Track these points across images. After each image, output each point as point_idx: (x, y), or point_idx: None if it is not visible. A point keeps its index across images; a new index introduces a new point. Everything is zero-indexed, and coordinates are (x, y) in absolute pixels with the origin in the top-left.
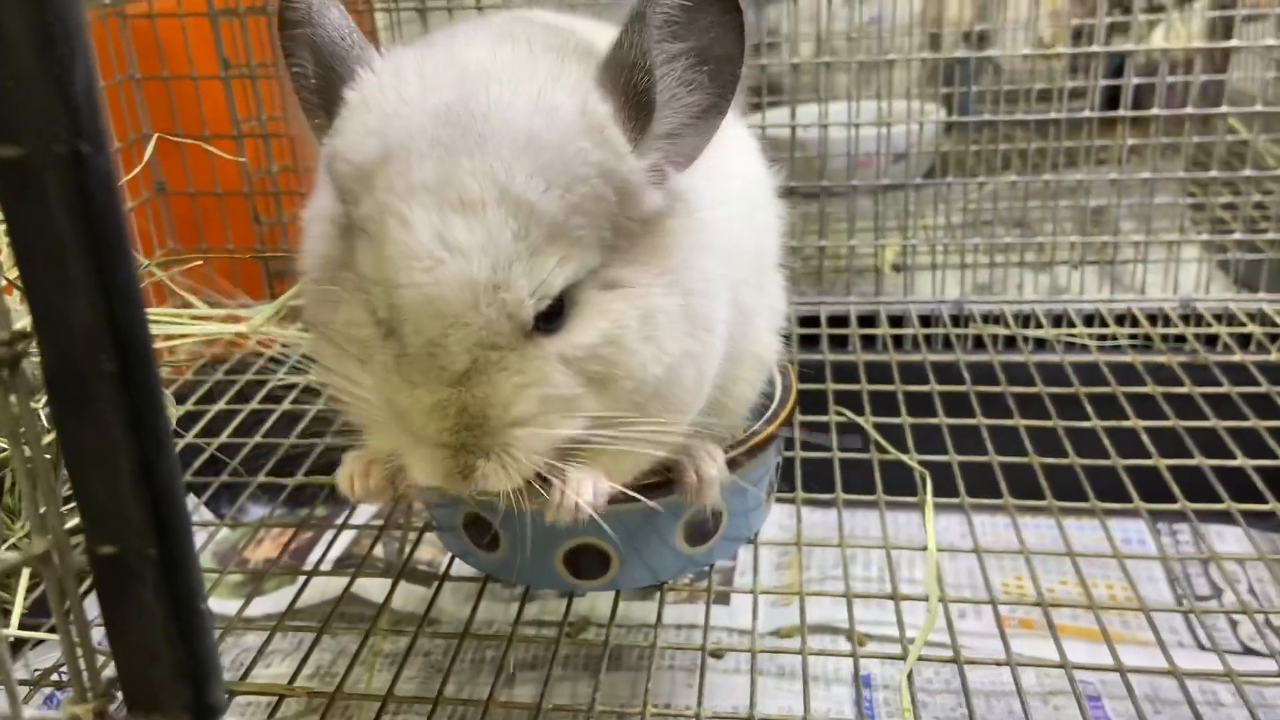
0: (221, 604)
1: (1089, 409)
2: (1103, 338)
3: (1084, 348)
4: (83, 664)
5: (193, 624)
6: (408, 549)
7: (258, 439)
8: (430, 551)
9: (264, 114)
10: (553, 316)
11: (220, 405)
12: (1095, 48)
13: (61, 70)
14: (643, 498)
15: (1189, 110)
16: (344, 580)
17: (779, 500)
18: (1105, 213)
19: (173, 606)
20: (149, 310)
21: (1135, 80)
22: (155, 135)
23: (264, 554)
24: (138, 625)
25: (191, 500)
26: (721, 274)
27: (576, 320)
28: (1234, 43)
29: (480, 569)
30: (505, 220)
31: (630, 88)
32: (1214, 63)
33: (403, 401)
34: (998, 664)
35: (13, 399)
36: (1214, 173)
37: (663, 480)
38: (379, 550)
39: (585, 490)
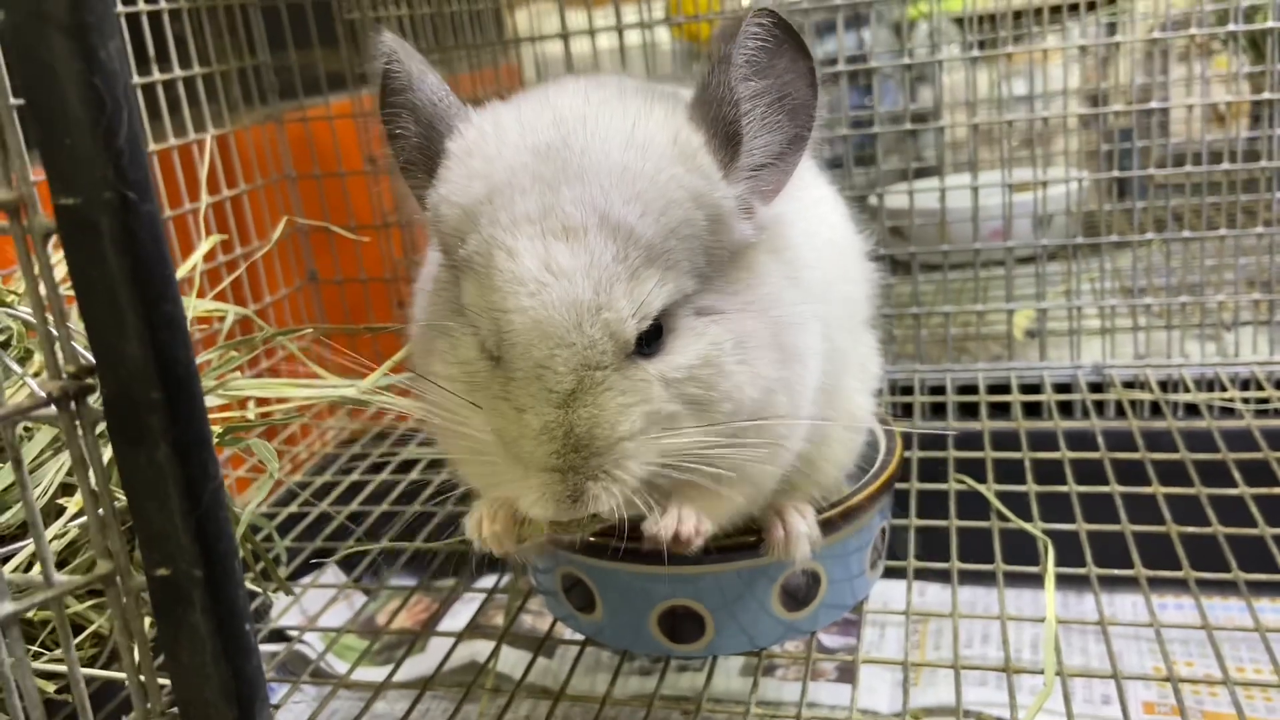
0: (345, 668)
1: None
2: (1262, 402)
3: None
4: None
5: (238, 644)
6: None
7: (384, 507)
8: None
9: None
10: (652, 339)
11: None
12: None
13: (110, 128)
14: (731, 555)
15: None
16: (474, 646)
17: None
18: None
19: (218, 626)
20: (270, 380)
21: None
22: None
23: (399, 623)
24: (188, 646)
25: (334, 571)
26: (811, 310)
27: (674, 343)
28: None
29: (580, 632)
30: (605, 244)
31: (719, 120)
32: None
33: (511, 429)
34: None
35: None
36: None
37: (754, 541)
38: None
39: (688, 521)
